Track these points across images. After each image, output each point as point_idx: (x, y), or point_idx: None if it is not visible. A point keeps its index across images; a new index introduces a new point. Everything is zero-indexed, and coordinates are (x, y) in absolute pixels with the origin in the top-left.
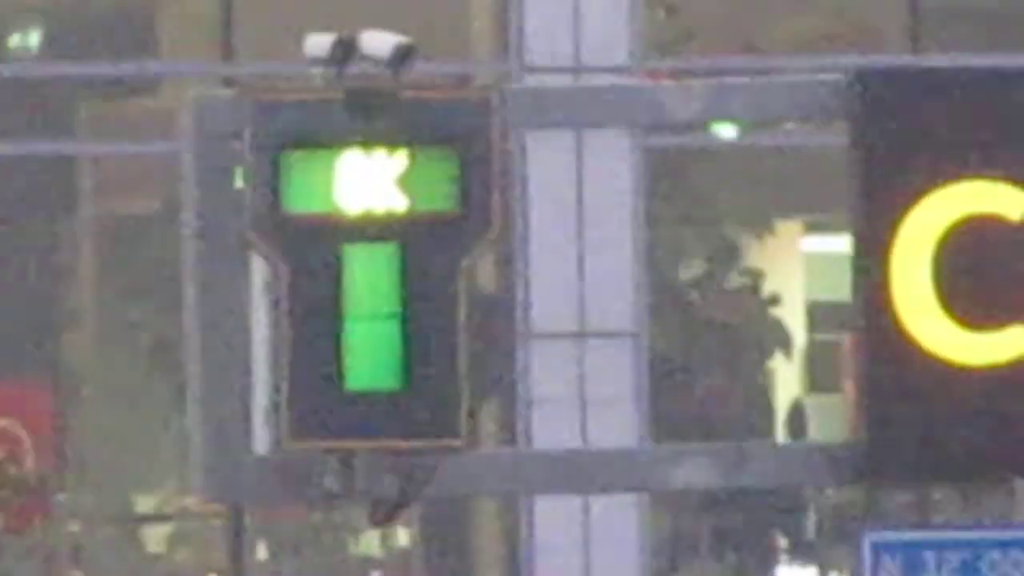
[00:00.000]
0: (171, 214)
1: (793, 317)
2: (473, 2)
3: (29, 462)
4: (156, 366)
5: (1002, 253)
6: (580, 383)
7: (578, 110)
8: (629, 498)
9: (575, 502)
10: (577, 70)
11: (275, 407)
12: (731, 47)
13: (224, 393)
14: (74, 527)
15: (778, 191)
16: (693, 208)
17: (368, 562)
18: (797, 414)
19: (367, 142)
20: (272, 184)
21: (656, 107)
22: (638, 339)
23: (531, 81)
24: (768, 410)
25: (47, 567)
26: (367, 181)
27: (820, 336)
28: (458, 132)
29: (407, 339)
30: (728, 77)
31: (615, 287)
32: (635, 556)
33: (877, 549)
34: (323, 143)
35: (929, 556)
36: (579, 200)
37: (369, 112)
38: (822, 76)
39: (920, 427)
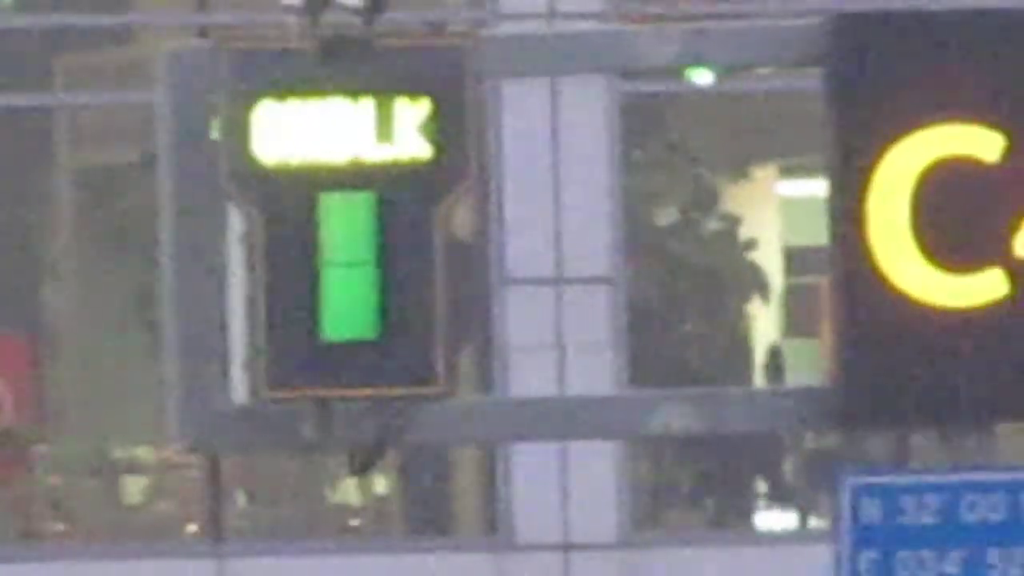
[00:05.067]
0: (148, 165)
1: (770, 261)
2: None
3: (8, 414)
4: (135, 317)
5: (978, 195)
6: (557, 329)
7: (553, 56)
8: (607, 445)
9: (553, 449)
10: (552, 16)
11: (252, 356)
12: None
13: (201, 343)
14: (54, 479)
15: (754, 136)
16: (669, 154)
17: (346, 510)
18: (775, 358)
19: (342, 91)
20: (247, 134)
21: (631, 52)
22: (615, 285)
23: (506, 28)
24: (746, 355)
25: (27, 519)
26: (342, 130)
27: (797, 280)
28: (432, 80)
29: (384, 287)
30: (704, 22)
31: (591, 233)
32: (614, 503)
33: (857, 493)
34: (298, 92)
35: (908, 500)
36: (554, 147)
37: (343, 61)
38: (798, 21)
39: (897, 371)
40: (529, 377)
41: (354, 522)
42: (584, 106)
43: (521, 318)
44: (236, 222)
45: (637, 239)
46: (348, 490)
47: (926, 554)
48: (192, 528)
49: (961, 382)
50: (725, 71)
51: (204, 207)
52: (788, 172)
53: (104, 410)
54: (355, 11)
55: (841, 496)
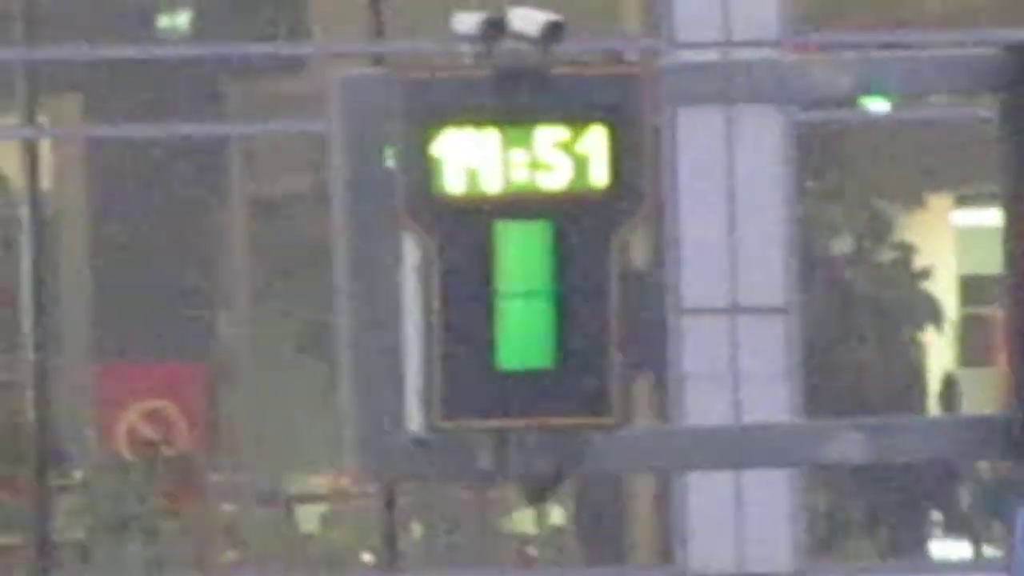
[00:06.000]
0: (322, 194)
1: (945, 291)
2: None
3: (183, 443)
4: (309, 345)
5: None
6: (732, 358)
7: (728, 85)
8: (782, 473)
9: (727, 478)
10: (727, 45)
11: (428, 386)
12: (880, 21)
13: (377, 372)
14: (228, 507)
15: (929, 164)
16: (843, 182)
17: (522, 539)
18: (950, 388)
19: (517, 119)
20: (422, 163)
21: (806, 82)
22: (789, 314)
23: (681, 56)
24: (921, 384)
25: (202, 547)
26: (517, 158)
27: (972, 309)
28: (609, 108)
29: (559, 316)
30: (877, 51)
31: (766, 262)
32: (788, 531)
33: None
34: (473, 120)
35: None
36: (730, 175)
37: (519, 89)
38: (972, 50)
39: None
40: (703, 406)
41: (530, 551)
42: (759, 135)
43: (696, 347)
44: (411, 251)
45: (811, 268)
46: (524, 519)
47: None
48: (367, 557)
49: None
50: (900, 100)
51: (379, 236)
52: (963, 201)
53: (279, 438)
54: (531, 39)
55: (1016, 525)
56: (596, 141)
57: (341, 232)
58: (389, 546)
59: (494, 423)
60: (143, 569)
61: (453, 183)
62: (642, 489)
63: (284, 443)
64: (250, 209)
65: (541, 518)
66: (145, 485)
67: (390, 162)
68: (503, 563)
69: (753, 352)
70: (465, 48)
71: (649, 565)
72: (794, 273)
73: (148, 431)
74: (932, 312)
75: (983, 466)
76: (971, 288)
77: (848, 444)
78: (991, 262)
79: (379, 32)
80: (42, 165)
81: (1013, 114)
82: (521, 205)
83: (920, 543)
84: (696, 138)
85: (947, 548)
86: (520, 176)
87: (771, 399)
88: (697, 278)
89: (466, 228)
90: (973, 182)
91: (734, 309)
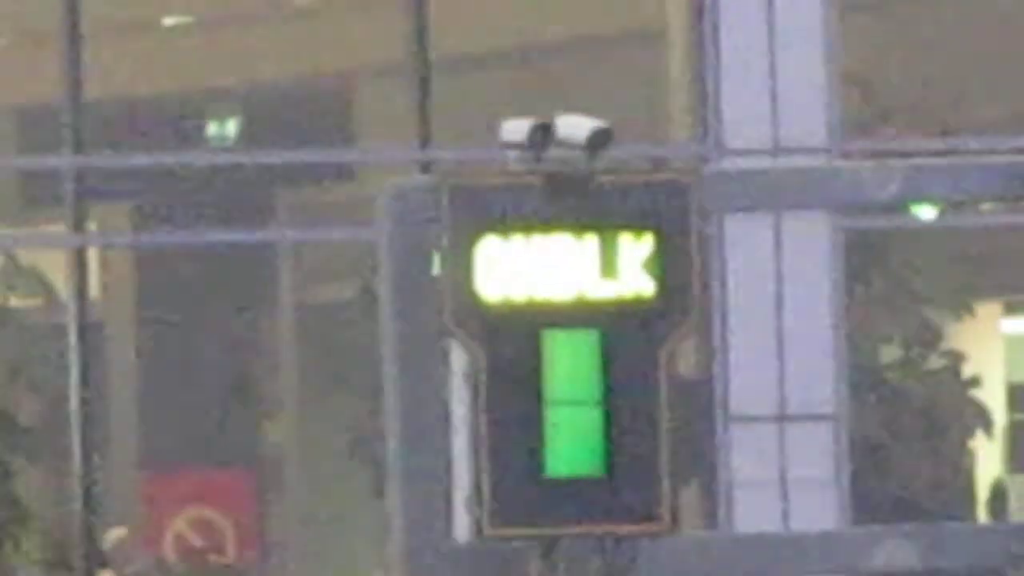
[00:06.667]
0: (370, 300)
1: (994, 398)
2: (670, 85)
3: (231, 550)
4: (356, 453)
5: None
6: (781, 466)
7: (777, 192)
8: None
9: None
10: (774, 152)
11: (476, 494)
12: (929, 128)
13: (425, 479)
14: None
15: (977, 272)
16: (892, 289)
17: None
18: (999, 494)
19: (565, 227)
20: (470, 270)
21: (855, 188)
22: (839, 421)
23: (729, 163)
24: (969, 491)
25: None
26: (565, 266)
27: (1021, 416)
28: (656, 216)
29: (608, 424)
30: (926, 158)
31: (815, 369)
32: None
33: None
34: (521, 228)
35: None
36: (778, 282)
37: (567, 196)
38: (1019, 156)
39: None
40: (752, 513)
41: None
42: (807, 240)
43: (744, 454)
44: (459, 358)
45: (860, 375)
46: None
47: None
48: None
49: None
50: (947, 206)
51: (426, 344)
52: (1012, 308)
53: (326, 546)
54: (578, 147)
55: None
56: (643, 249)
57: (389, 339)
58: None
59: (543, 531)
60: None
61: (500, 291)
62: None
63: (332, 550)
64: (297, 315)
65: None
66: None
67: (437, 269)
68: None
69: (802, 459)
70: (513, 155)
71: None
72: (843, 380)
73: (196, 539)
74: (981, 418)
75: None
76: (1020, 395)
77: (896, 551)
78: None
79: (427, 139)
80: (90, 273)
81: None
82: (569, 314)
83: None
84: (744, 245)
85: None
86: (567, 285)
87: (820, 506)
88: (745, 385)
89: (513, 336)
90: (1022, 290)
91: (782, 416)
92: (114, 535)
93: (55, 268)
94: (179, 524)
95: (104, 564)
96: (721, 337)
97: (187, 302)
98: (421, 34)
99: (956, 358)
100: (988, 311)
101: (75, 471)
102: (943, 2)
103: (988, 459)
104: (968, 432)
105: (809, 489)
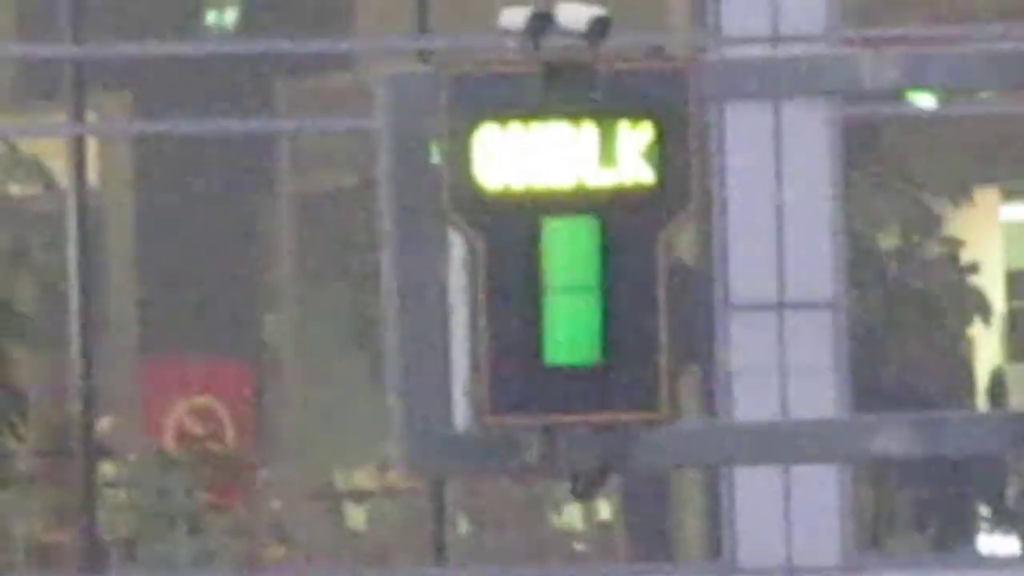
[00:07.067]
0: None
1: (992, 285)
2: None
3: (230, 439)
4: (355, 342)
5: None
6: (780, 353)
7: (775, 80)
8: (830, 469)
9: (776, 473)
10: (774, 39)
11: (475, 382)
12: (929, 16)
13: (424, 368)
14: (276, 504)
15: (976, 159)
16: (890, 177)
17: (570, 536)
18: (997, 382)
19: (564, 115)
20: (469, 159)
21: (853, 76)
22: (837, 309)
23: (727, 52)
24: (968, 379)
25: (250, 544)
26: (565, 155)
27: (1020, 303)
28: (656, 104)
29: (607, 312)
30: (925, 45)
31: (814, 257)
32: (837, 526)
33: None
34: (520, 117)
35: None
36: (776, 170)
37: (566, 84)
38: (1019, 44)
39: None
40: (751, 401)
41: (578, 547)
42: (806, 129)
43: (743, 342)
44: (457, 247)
45: (858, 263)
46: (572, 516)
47: None
48: (414, 553)
49: None
50: (947, 94)
51: (425, 232)
52: (1011, 195)
53: (326, 435)
54: (578, 35)
55: None
56: (643, 137)
57: (387, 228)
58: (436, 542)
59: (541, 419)
60: (190, 565)
61: (499, 180)
62: (690, 485)
63: (331, 439)
64: (296, 205)
65: (589, 514)
66: (192, 481)
67: (436, 158)
68: (551, 559)
69: (800, 347)
70: (511, 44)
71: (698, 561)
72: (842, 268)
73: (196, 427)
74: (979, 306)
75: None
76: (1018, 282)
77: (895, 438)
78: None
79: (425, 28)
80: (89, 162)
81: None
82: (568, 201)
83: (968, 538)
84: (743, 132)
85: (995, 543)
86: (566, 173)
87: (818, 394)
88: (744, 273)
89: (512, 225)
90: (1021, 177)
91: (781, 304)
92: (106, 424)
93: (55, 157)
94: (178, 412)
95: (104, 452)
96: (720, 225)
97: (185, 192)
98: None
99: (954, 245)
100: (987, 198)
101: (74, 359)
102: None
103: (987, 347)
104: (967, 320)
105: (808, 376)
